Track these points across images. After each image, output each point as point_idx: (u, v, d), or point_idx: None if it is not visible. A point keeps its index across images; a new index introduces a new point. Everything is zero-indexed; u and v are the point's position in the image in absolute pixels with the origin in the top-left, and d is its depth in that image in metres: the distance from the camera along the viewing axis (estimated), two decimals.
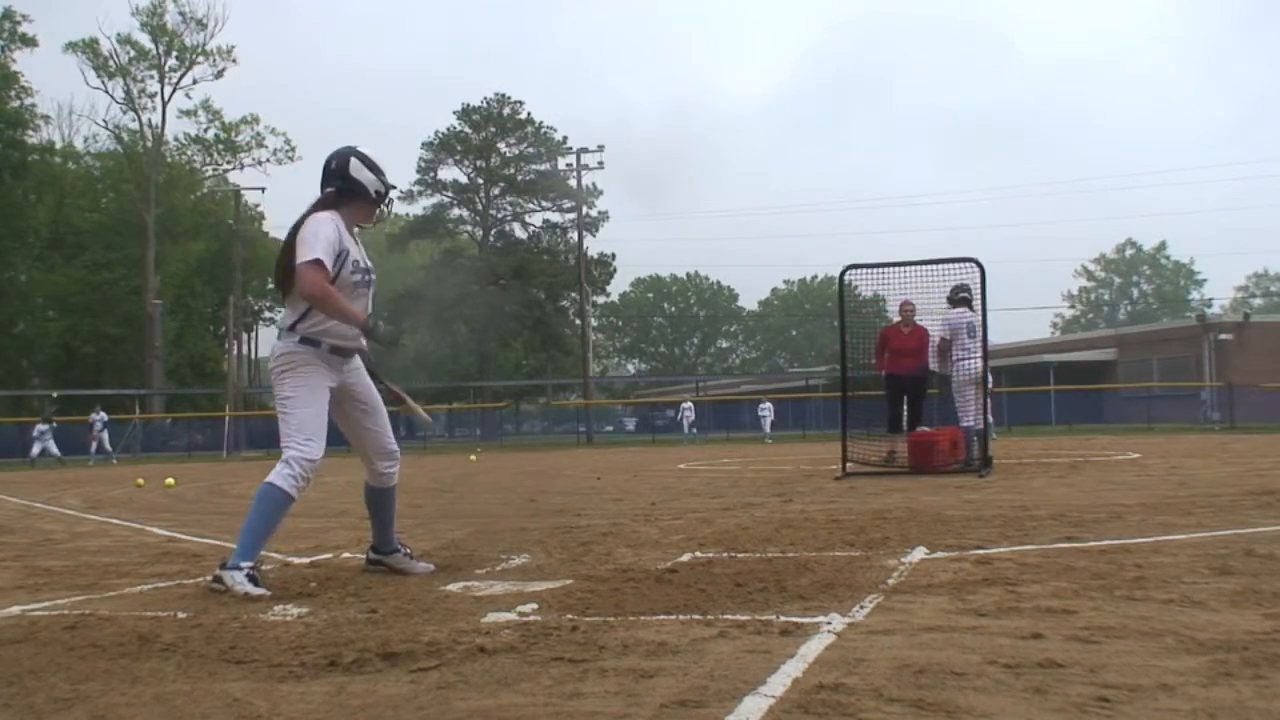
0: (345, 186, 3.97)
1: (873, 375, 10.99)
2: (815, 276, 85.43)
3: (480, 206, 52.21)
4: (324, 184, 4.02)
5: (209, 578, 3.83)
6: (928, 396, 10.73)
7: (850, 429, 10.34)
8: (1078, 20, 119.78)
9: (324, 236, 3.79)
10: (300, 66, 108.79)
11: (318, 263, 3.75)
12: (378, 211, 4.10)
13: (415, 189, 51.12)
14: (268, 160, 49.07)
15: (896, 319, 10.67)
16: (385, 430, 4.18)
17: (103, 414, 29.26)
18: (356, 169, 3.96)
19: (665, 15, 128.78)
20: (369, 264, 4.03)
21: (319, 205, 3.93)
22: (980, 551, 4.24)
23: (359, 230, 4.08)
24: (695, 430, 34.78)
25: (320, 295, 3.76)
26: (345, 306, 3.83)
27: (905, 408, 10.61)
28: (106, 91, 45.83)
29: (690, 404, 36.36)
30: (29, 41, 43.44)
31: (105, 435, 28.60)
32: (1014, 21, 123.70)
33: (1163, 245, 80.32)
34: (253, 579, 3.66)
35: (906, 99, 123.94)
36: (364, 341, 4.05)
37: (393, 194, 4.11)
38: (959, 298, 9.99)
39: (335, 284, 3.83)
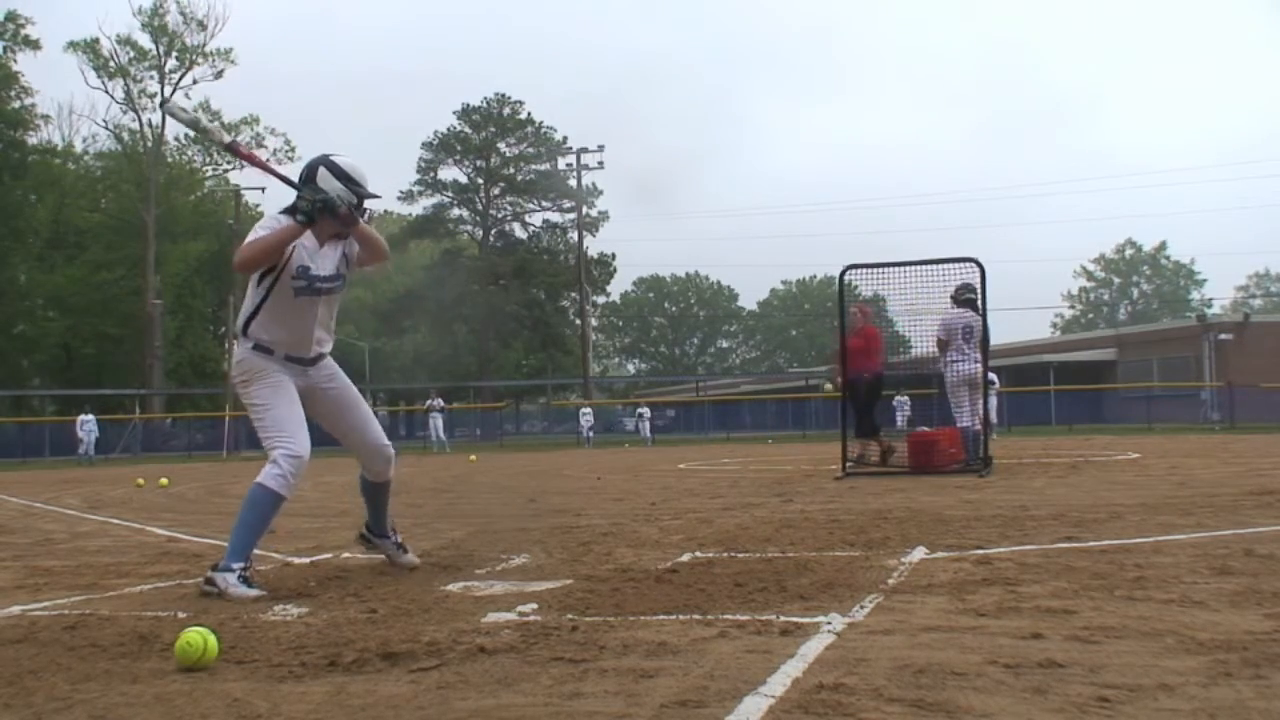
0: None
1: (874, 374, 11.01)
2: (815, 276, 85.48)
3: (480, 206, 52.23)
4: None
5: (200, 580, 3.83)
6: (881, 400, 10.81)
7: (850, 429, 10.38)
8: (1080, 23, 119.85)
9: (263, 225, 3.80)
10: (300, 67, 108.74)
11: (247, 244, 3.76)
12: (353, 218, 3.91)
13: (415, 189, 51.21)
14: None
15: (900, 320, 10.77)
16: (370, 428, 4.15)
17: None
18: (324, 178, 3.86)
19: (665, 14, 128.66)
20: (331, 273, 3.92)
21: (285, 209, 3.88)
22: (980, 551, 4.25)
23: (338, 239, 3.96)
24: (652, 436, 32.81)
25: (243, 257, 3.74)
26: (267, 238, 3.72)
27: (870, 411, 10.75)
28: (106, 92, 45.83)
29: (646, 408, 34.84)
30: (31, 44, 43.46)
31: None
32: (1018, 24, 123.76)
33: (1163, 245, 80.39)
34: (245, 580, 3.65)
35: (905, 100, 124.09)
36: (321, 348, 4.01)
37: (368, 203, 3.98)
38: (964, 298, 9.99)
39: (275, 286, 3.83)
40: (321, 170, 3.88)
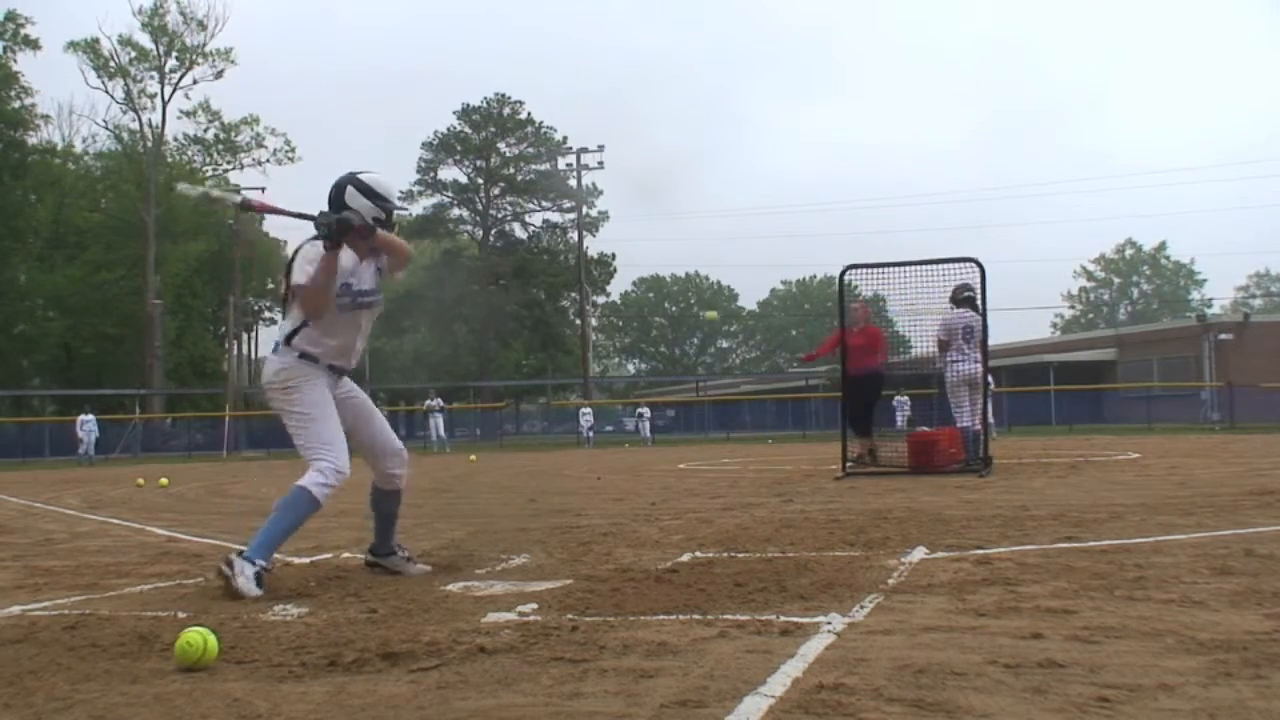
0: None
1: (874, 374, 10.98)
2: (815, 276, 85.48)
3: (480, 206, 52.26)
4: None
5: (221, 560, 3.76)
6: (881, 399, 10.81)
7: (850, 429, 10.38)
8: (1081, 24, 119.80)
9: (308, 260, 3.89)
10: (300, 67, 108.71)
11: (300, 286, 3.89)
12: (369, 229, 4.03)
13: (415, 189, 51.23)
14: (268, 161, 49.08)
15: (898, 319, 10.76)
16: (388, 434, 4.26)
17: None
18: (352, 196, 4.00)
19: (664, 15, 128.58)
20: (371, 287, 4.10)
21: (315, 237, 3.97)
22: (980, 551, 4.25)
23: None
24: (652, 436, 32.89)
25: (313, 305, 3.90)
26: (318, 277, 3.85)
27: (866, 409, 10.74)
28: (107, 92, 45.76)
29: (646, 408, 34.96)
30: (31, 44, 43.40)
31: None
32: (1018, 24, 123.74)
33: (1163, 245, 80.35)
34: (259, 579, 3.66)
35: (906, 100, 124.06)
36: (359, 359, 4.19)
37: (396, 215, 4.13)
38: (962, 297, 9.98)
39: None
40: (349, 189, 4.01)
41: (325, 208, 4.03)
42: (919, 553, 4.28)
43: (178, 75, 45.89)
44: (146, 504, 9.44)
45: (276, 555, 4.77)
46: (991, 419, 10.76)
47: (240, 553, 3.74)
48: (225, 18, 59.87)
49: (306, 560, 4.73)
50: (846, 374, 10.48)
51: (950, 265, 9.94)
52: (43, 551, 5.57)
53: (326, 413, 3.95)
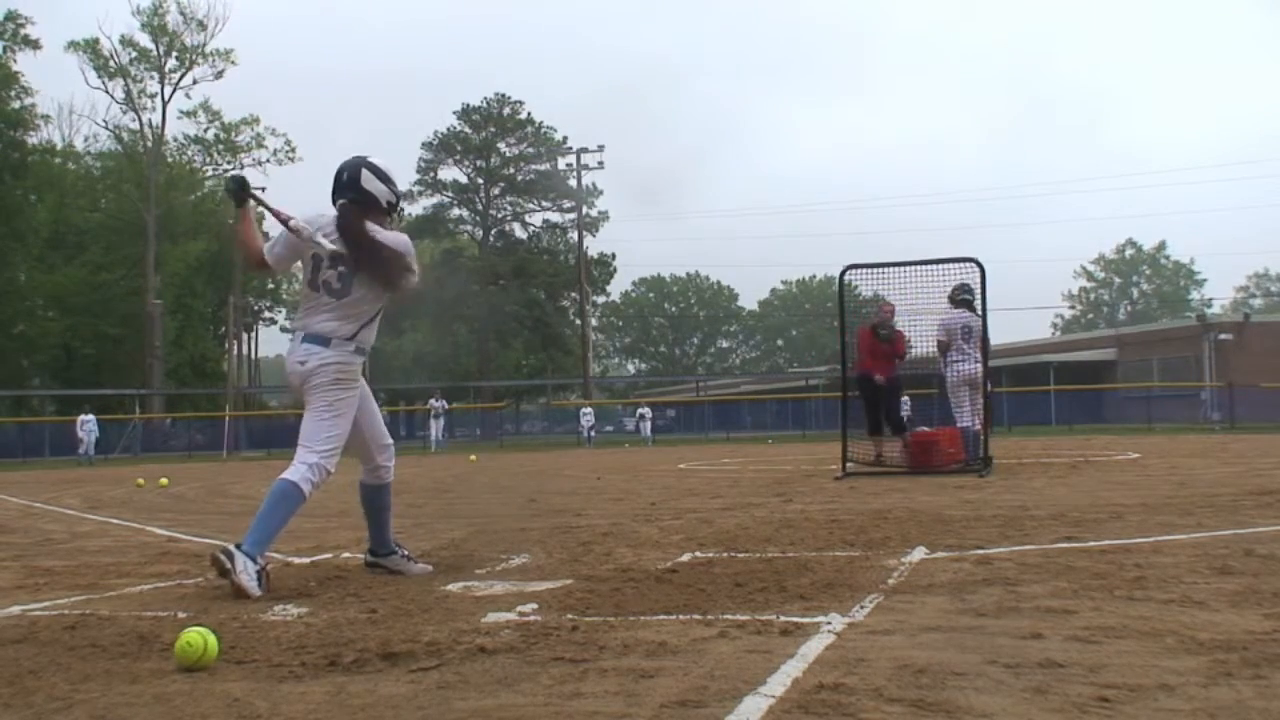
0: (357, 198, 3.98)
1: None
2: (815, 276, 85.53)
3: (480, 206, 52.25)
4: (335, 195, 4.02)
5: (219, 550, 3.66)
6: (898, 398, 10.80)
7: (850, 429, 10.35)
8: (1082, 25, 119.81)
9: (412, 246, 4.09)
10: (300, 67, 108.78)
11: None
12: (388, 221, 4.12)
13: (415, 189, 51.21)
14: (268, 161, 49.10)
15: (900, 320, 10.69)
16: (381, 425, 4.27)
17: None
18: (368, 180, 3.99)
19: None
20: None
21: (349, 215, 3.93)
22: (980, 551, 4.24)
23: None
24: (653, 436, 33.19)
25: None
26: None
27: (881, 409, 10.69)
28: (107, 92, 45.81)
29: (647, 408, 35.27)
30: (31, 44, 43.39)
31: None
32: (1018, 26, 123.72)
33: (1163, 245, 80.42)
34: (260, 579, 3.63)
35: (907, 100, 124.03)
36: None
37: (402, 203, 4.17)
38: (960, 298, 9.97)
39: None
40: (365, 171, 4.01)
41: (331, 192, 4.03)
42: (919, 553, 4.28)
43: (178, 75, 45.97)
44: (146, 504, 9.44)
45: (276, 555, 4.79)
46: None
47: (238, 545, 3.68)
48: (225, 18, 60.02)
49: (306, 560, 4.72)
50: (863, 375, 10.39)
51: (950, 265, 9.94)
52: (43, 551, 5.57)
53: (349, 417, 3.98)
